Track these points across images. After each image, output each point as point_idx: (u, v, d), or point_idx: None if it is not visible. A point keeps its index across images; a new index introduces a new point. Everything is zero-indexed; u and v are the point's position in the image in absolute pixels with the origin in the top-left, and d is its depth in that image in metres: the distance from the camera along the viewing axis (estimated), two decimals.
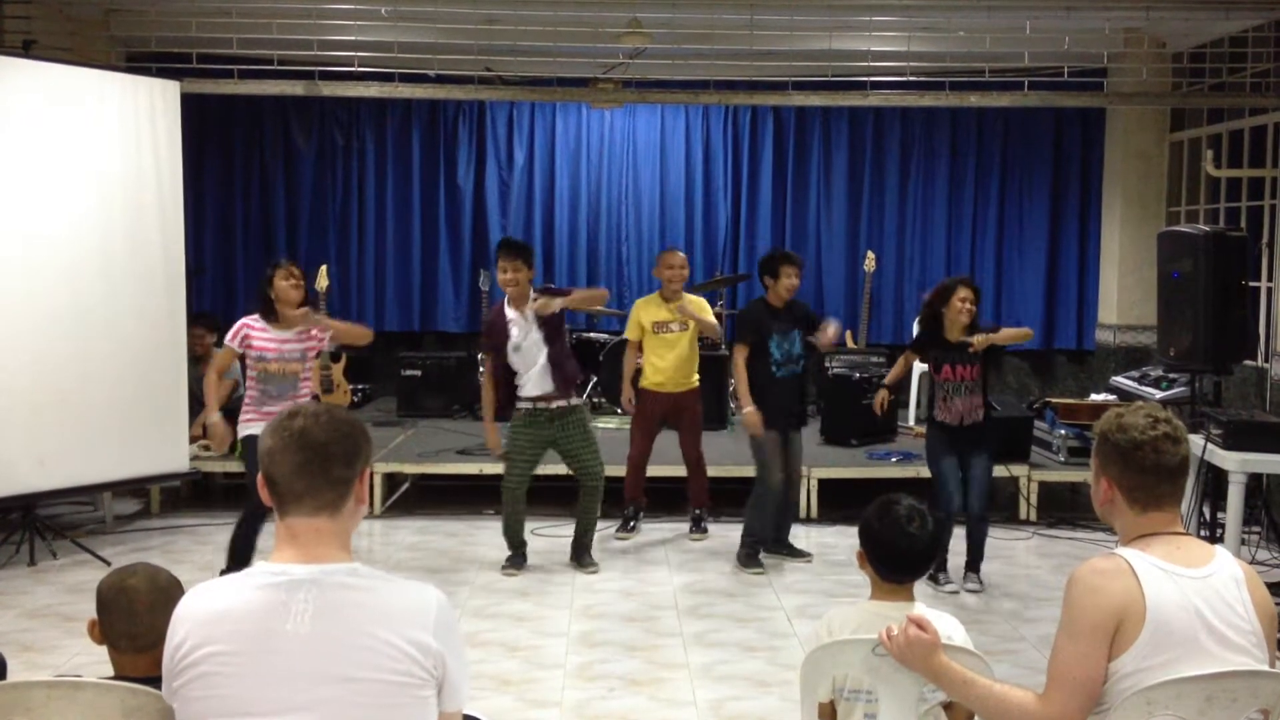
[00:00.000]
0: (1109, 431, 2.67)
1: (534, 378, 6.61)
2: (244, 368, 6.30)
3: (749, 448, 7.04)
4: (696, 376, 7.57)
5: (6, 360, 6.66)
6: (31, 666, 5.13)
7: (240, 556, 6.11)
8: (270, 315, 6.11)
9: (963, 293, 6.54)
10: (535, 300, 6.57)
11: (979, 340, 6.47)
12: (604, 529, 7.73)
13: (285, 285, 6.09)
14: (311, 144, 11.06)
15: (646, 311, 7.49)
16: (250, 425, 6.02)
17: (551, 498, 8.04)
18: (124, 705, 2.40)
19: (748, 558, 6.99)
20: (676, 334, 7.42)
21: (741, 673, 5.30)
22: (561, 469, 7.24)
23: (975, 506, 6.57)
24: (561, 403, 6.66)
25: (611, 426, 9.30)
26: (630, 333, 7.57)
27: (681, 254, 7.68)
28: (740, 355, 6.93)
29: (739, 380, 6.92)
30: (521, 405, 6.68)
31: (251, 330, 6.09)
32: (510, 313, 6.63)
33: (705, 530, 7.65)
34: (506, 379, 6.68)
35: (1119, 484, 2.65)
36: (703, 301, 7.66)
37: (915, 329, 7.15)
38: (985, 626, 5.90)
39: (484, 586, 6.56)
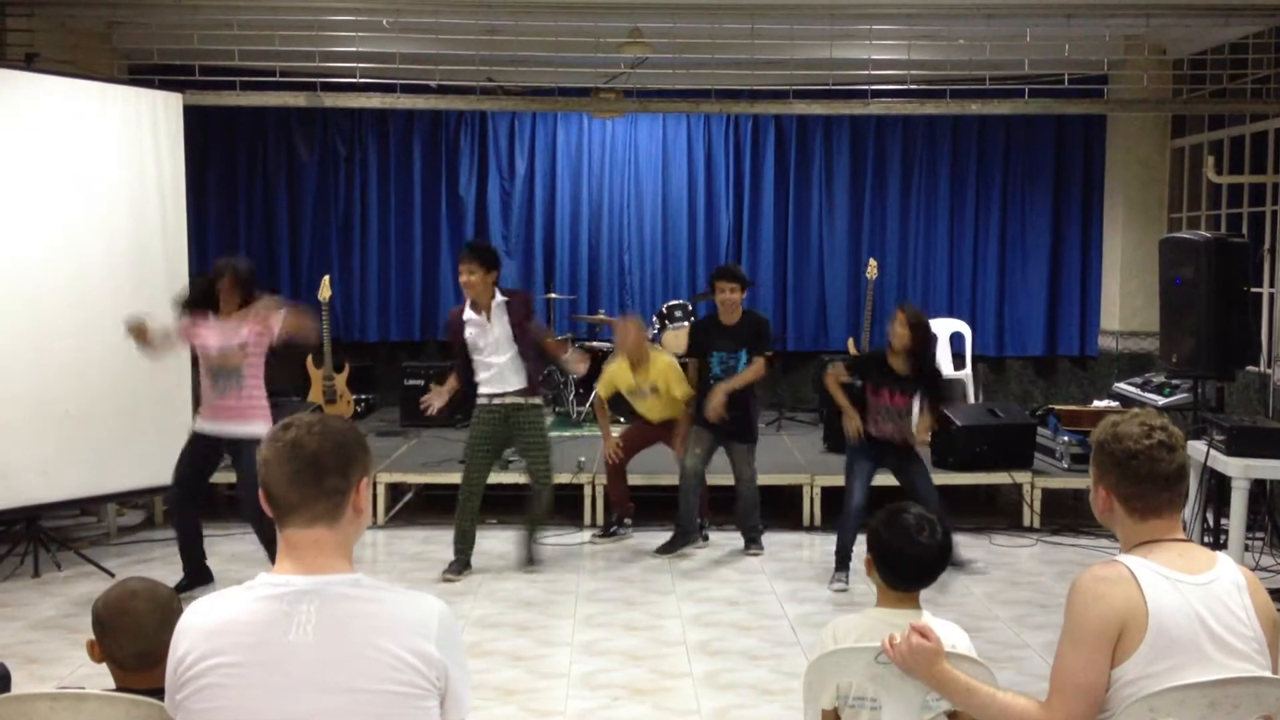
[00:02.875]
0: (1105, 441, 2.67)
1: (492, 376, 6.75)
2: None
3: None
4: (682, 405, 7.50)
5: (9, 371, 6.67)
6: (35, 679, 5.12)
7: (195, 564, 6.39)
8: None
9: (900, 319, 6.59)
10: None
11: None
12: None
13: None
14: (314, 155, 11.08)
15: (619, 377, 7.54)
16: (200, 423, 6.39)
17: (555, 507, 8.04)
18: (128, 717, 2.40)
19: (670, 543, 7.38)
20: (649, 398, 7.54)
21: (745, 681, 5.29)
22: (565, 477, 7.23)
23: (932, 503, 6.60)
24: (517, 400, 6.77)
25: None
26: (603, 390, 7.66)
27: (634, 319, 7.82)
28: (692, 369, 7.34)
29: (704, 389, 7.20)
30: (479, 401, 6.82)
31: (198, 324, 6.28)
32: (469, 313, 6.76)
33: (707, 539, 7.68)
34: (467, 375, 6.85)
35: (1116, 493, 2.65)
36: (677, 371, 7.57)
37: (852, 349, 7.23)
38: (989, 634, 5.89)
39: (487, 596, 6.56)
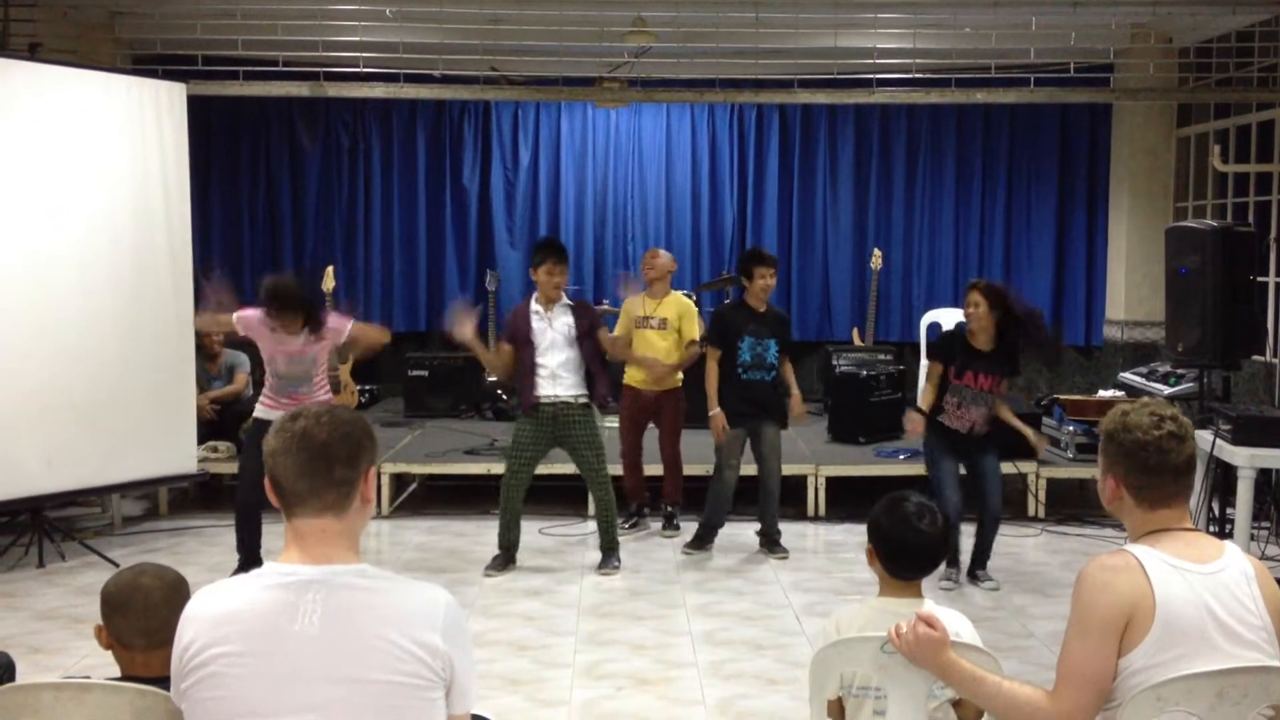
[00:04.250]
0: (1114, 431, 2.65)
1: (545, 378, 6.66)
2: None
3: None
4: (678, 378, 7.56)
5: (14, 362, 6.67)
6: (40, 668, 5.13)
7: (251, 553, 6.31)
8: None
9: (971, 298, 6.42)
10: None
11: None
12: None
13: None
14: (317, 145, 11.07)
15: (633, 308, 7.58)
16: (264, 410, 6.33)
17: (560, 497, 8.05)
18: (133, 706, 2.40)
19: (696, 540, 7.20)
20: (655, 331, 7.45)
21: (750, 671, 5.29)
22: (570, 468, 7.22)
23: (995, 508, 6.53)
24: (568, 399, 6.68)
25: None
26: (620, 329, 7.60)
27: (663, 252, 7.78)
28: (711, 359, 7.08)
29: (708, 382, 7.05)
30: (529, 401, 6.72)
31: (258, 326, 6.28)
32: (535, 306, 6.69)
33: (677, 527, 7.63)
34: (521, 373, 6.72)
35: (1126, 483, 2.64)
36: (692, 309, 7.64)
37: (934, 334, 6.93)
38: (994, 623, 5.89)
39: (492, 586, 6.56)
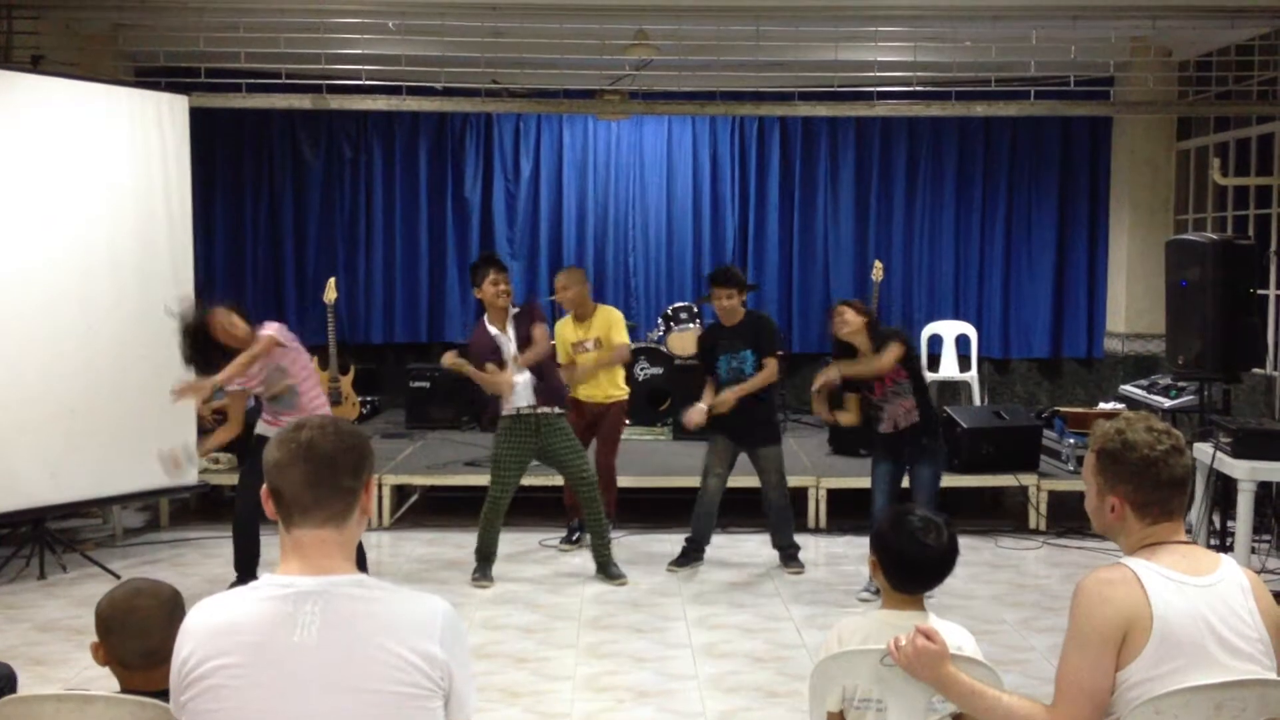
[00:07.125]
0: (1116, 451, 2.64)
1: (518, 391, 6.64)
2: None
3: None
4: (623, 390, 7.55)
5: (16, 373, 6.68)
6: (41, 680, 5.13)
7: (249, 562, 6.32)
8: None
9: (838, 309, 6.54)
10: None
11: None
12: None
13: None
14: (319, 157, 11.10)
15: (565, 333, 7.44)
16: (264, 427, 6.36)
17: (558, 508, 8.04)
18: (133, 719, 2.41)
19: (681, 557, 7.14)
20: (591, 352, 7.35)
21: (750, 683, 5.29)
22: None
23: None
24: (546, 410, 6.68)
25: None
26: (560, 356, 7.41)
27: (578, 271, 7.67)
28: (709, 388, 7.04)
29: (706, 391, 7.03)
30: (505, 415, 6.71)
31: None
32: (491, 329, 6.68)
33: (576, 542, 7.58)
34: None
35: (1131, 501, 2.64)
36: (616, 317, 7.51)
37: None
38: (994, 636, 5.88)
39: (492, 598, 6.56)
